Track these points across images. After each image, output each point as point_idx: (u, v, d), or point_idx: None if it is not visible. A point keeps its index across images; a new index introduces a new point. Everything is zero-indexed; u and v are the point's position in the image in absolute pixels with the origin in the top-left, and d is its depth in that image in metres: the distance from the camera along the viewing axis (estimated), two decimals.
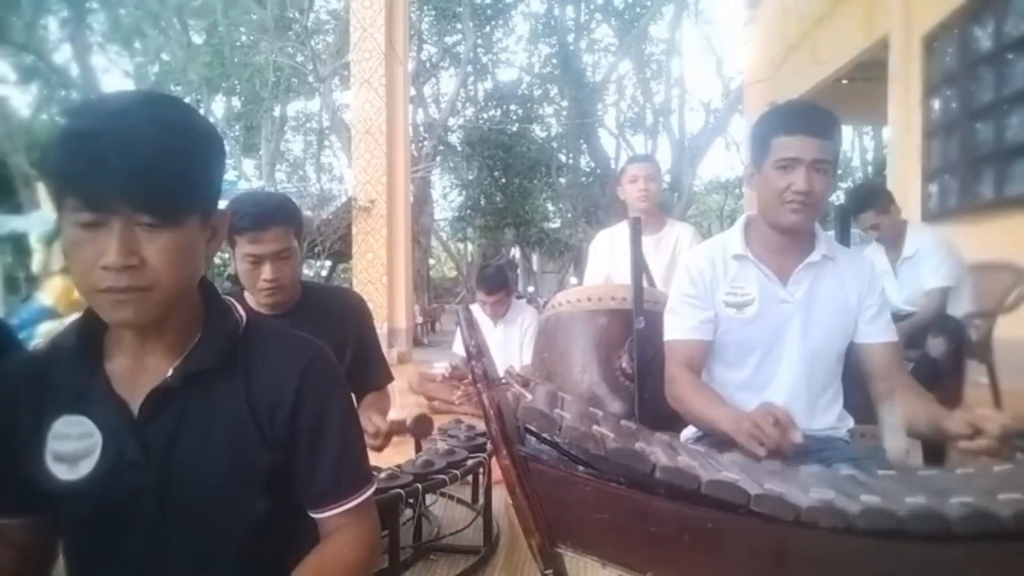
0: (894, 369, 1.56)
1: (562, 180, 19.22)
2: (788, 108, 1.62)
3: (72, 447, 0.87)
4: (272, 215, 1.73)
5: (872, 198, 3.33)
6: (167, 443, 0.87)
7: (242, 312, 0.97)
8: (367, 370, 1.93)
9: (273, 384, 0.92)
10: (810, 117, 1.49)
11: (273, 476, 0.92)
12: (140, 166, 0.76)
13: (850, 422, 1.61)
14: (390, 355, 7.54)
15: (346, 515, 0.95)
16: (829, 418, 1.57)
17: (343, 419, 0.97)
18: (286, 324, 1.04)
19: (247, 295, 1.81)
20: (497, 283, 4.14)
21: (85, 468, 0.87)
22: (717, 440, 1.51)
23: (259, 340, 0.95)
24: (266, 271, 1.71)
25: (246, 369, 0.92)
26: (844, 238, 2.28)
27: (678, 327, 1.60)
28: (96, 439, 0.87)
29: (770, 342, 1.55)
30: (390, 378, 2.05)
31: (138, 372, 0.89)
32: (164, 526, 0.88)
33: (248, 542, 0.91)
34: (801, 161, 1.44)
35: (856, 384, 1.64)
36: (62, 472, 0.87)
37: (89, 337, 0.89)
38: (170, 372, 0.88)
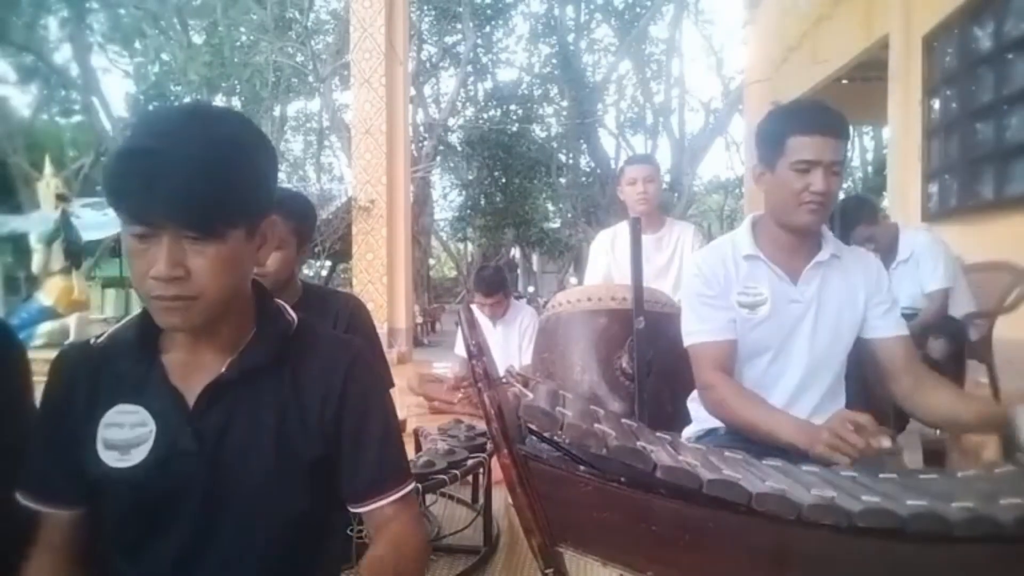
0: (914, 362, 1.55)
1: (562, 180, 19.22)
2: (802, 108, 1.60)
3: (125, 435, 0.91)
4: None
5: (861, 213, 3.33)
6: (219, 434, 0.91)
7: (293, 315, 1.02)
8: None
9: (321, 379, 0.96)
10: (826, 117, 1.48)
11: (316, 470, 0.94)
12: (185, 186, 0.79)
13: None
14: (390, 355, 7.54)
15: (390, 507, 0.96)
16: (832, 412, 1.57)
17: (384, 413, 1.01)
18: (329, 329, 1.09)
19: None
20: (495, 284, 4.13)
21: (138, 456, 0.90)
22: (721, 440, 1.51)
23: (308, 341, 0.99)
24: None
25: (295, 367, 0.96)
26: (844, 237, 2.29)
27: (703, 330, 1.57)
28: (150, 428, 0.91)
29: (781, 341, 1.55)
30: (388, 383, 2.03)
31: (193, 367, 0.93)
32: (209, 517, 0.90)
33: (288, 536, 0.94)
34: (820, 163, 1.43)
35: (856, 384, 1.64)
36: (113, 459, 0.90)
37: (147, 332, 0.93)
38: (224, 367, 0.92)
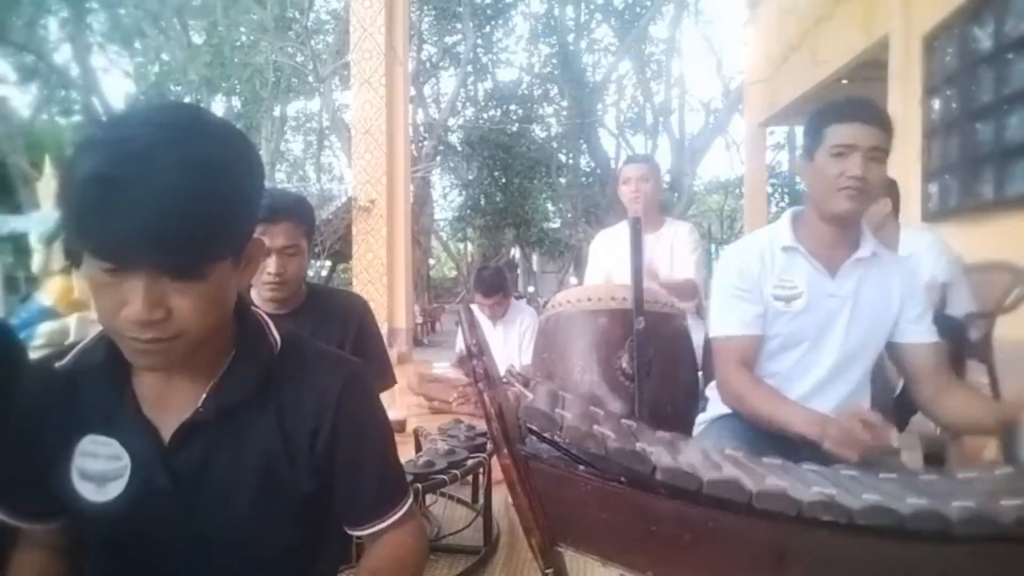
0: (942, 369, 1.56)
1: (562, 180, 19.21)
2: (843, 99, 1.64)
3: (101, 467, 0.85)
4: (285, 210, 1.74)
5: None
6: (197, 474, 0.85)
7: (277, 335, 0.92)
8: None
9: (310, 410, 0.88)
10: (865, 106, 1.51)
11: (307, 504, 0.89)
12: (166, 224, 0.69)
13: None
14: (390, 355, 7.53)
15: (388, 528, 0.94)
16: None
17: (380, 438, 0.96)
18: (314, 340, 1.01)
19: (253, 291, 1.82)
20: (495, 285, 4.14)
21: (114, 491, 0.85)
22: (733, 426, 1.51)
23: (294, 365, 0.91)
24: (271, 264, 1.72)
25: (280, 396, 0.88)
26: None
27: (729, 322, 1.57)
28: (125, 462, 0.85)
29: (814, 336, 1.54)
30: (392, 382, 2.04)
31: (168, 394, 0.86)
32: (192, 554, 0.86)
33: (279, 566, 0.89)
34: (857, 148, 1.45)
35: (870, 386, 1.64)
36: (89, 492, 0.85)
37: (114, 356, 0.84)
38: (201, 401, 0.85)
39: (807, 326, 1.54)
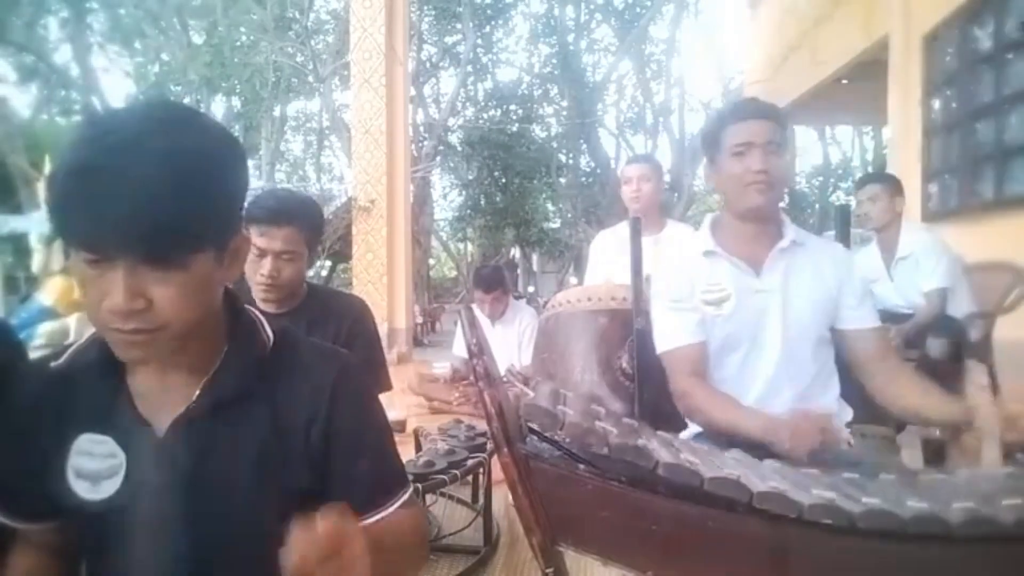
0: (888, 355, 1.56)
1: (562, 180, 19.20)
2: (732, 103, 1.66)
3: (96, 465, 0.86)
4: (287, 214, 1.72)
5: (882, 176, 3.46)
6: (191, 469, 0.85)
7: (269, 332, 0.93)
8: None
9: (304, 403, 0.89)
10: (753, 104, 1.55)
11: (305, 498, 0.88)
12: (142, 213, 0.69)
13: (847, 413, 1.60)
14: (390, 355, 7.53)
15: (387, 517, 0.93)
16: (819, 406, 1.55)
17: (377, 429, 0.95)
18: (309, 337, 1.01)
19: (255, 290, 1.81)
20: (494, 281, 4.17)
21: (109, 489, 0.85)
22: (722, 441, 1.51)
23: (288, 360, 0.92)
24: (265, 266, 1.71)
25: (274, 391, 0.89)
26: (844, 238, 2.28)
27: (671, 335, 1.59)
28: (120, 460, 0.85)
29: (752, 334, 1.55)
30: (387, 387, 2.03)
31: (162, 391, 0.87)
32: (187, 551, 0.86)
33: (274, 565, 0.90)
34: (754, 144, 1.48)
35: (855, 380, 1.63)
36: (84, 490, 0.85)
37: (108, 354, 0.84)
38: (195, 396, 0.85)
39: (742, 326, 1.55)
